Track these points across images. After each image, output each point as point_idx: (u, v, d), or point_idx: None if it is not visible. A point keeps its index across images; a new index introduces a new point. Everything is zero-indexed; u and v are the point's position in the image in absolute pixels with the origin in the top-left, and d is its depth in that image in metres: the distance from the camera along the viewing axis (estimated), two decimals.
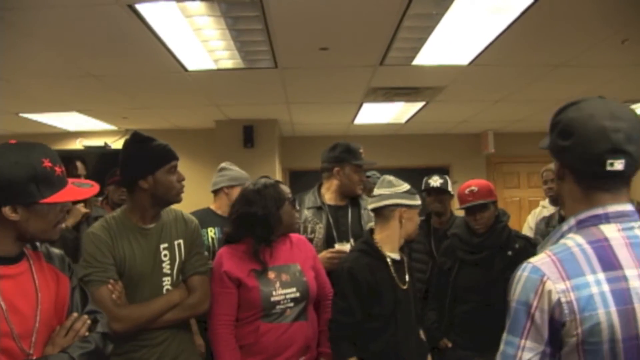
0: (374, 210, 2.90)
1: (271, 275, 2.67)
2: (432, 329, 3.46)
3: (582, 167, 1.40)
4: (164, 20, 3.85)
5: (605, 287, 1.30)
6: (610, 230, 1.37)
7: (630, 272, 1.32)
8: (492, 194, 3.38)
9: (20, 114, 6.95)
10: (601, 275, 1.31)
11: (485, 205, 3.32)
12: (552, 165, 4.13)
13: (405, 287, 2.80)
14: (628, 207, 1.41)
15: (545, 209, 4.64)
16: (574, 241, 1.38)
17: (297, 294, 2.67)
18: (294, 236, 2.95)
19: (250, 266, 2.67)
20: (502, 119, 8.04)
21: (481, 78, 5.60)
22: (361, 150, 3.50)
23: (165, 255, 2.56)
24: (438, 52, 4.72)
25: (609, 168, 1.35)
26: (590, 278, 1.31)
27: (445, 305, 3.43)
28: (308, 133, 9.03)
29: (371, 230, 2.92)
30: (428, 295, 3.69)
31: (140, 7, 3.59)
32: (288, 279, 2.68)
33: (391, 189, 2.83)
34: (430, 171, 4.59)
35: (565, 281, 1.32)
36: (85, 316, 1.94)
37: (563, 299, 1.30)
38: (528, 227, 4.79)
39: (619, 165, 1.35)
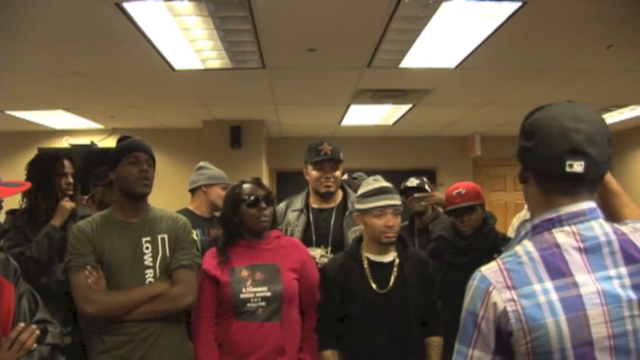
0: None
1: (244, 273, 2.70)
2: None
3: (543, 168, 1.35)
4: (152, 19, 3.84)
5: (554, 296, 1.27)
6: (562, 235, 1.33)
7: (581, 277, 1.28)
8: (479, 197, 3.40)
9: (6, 112, 6.90)
10: (549, 284, 1.28)
11: (473, 207, 3.34)
12: None
13: (383, 291, 2.73)
14: (585, 206, 1.34)
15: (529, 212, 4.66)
16: (524, 249, 1.34)
17: (269, 293, 2.66)
18: (287, 239, 2.96)
19: (229, 264, 2.73)
20: (488, 122, 8.08)
21: (468, 81, 5.64)
22: (321, 147, 3.34)
23: (147, 248, 2.60)
24: (425, 55, 4.74)
25: (568, 169, 1.31)
26: (537, 287, 1.28)
27: None
28: (295, 134, 9.02)
29: None
30: None
31: (127, 6, 3.58)
32: (262, 277, 2.69)
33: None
34: (418, 173, 4.62)
35: (512, 290, 1.29)
36: (34, 326, 1.83)
37: (509, 308, 1.28)
38: (513, 230, 4.82)
39: (578, 167, 1.30)
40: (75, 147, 7.87)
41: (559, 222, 1.34)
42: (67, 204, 3.24)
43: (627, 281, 1.28)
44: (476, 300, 1.33)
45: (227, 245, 2.79)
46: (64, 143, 8.19)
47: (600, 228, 1.33)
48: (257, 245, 2.79)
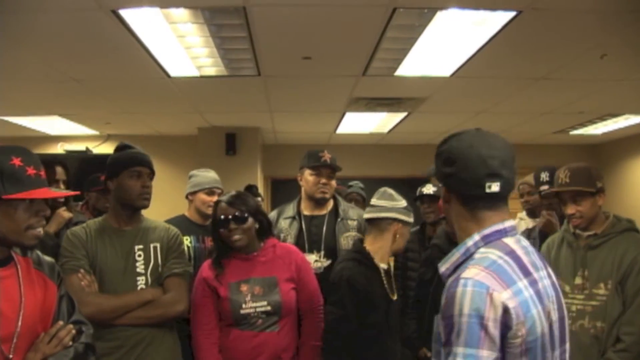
0: (370, 220, 2.88)
1: (244, 287, 2.68)
2: (412, 338, 3.47)
3: (466, 190, 1.59)
4: (148, 26, 3.85)
5: (531, 291, 1.50)
6: (511, 243, 1.57)
7: (536, 275, 1.55)
8: None
9: (1, 117, 6.90)
10: (525, 281, 1.50)
11: None
12: (529, 178, 4.19)
13: (395, 297, 2.81)
14: (512, 223, 1.62)
15: (523, 220, 4.67)
16: (495, 254, 1.53)
17: (269, 308, 2.66)
18: (282, 246, 2.92)
19: (227, 278, 2.71)
20: None
21: (463, 89, 5.65)
22: (321, 154, 3.41)
23: (139, 256, 2.65)
24: (421, 63, 4.75)
25: (487, 190, 1.56)
26: (520, 284, 1.48)
27: (425, 314, 3.43)
28: (291, 141, 9.03)
29: (361, 240, 2.91)
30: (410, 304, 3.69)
31: (123, 13, 3.58)
32: (261, 292, 2.68)
33: (392, 203, 2.85)
34: (412, 181, 4.61)
35: (507, 290, 1.44)
36: (70, 326, 1.96)
37: (510, 305, 1.42)
38: None
39: (495, 187, 1.56)
40: (70, 153, 7.87)
41: (505, 233, 1.58)
42: (65, 213, 3.24)
43: (552, 279, 1.63)
44: (478, 303, 1.42)
45: (223, 258, 2.76)
46: (59, 149, 8.18)
47: (523, 240, 1.63)
48: (254, 258, 2.76)
